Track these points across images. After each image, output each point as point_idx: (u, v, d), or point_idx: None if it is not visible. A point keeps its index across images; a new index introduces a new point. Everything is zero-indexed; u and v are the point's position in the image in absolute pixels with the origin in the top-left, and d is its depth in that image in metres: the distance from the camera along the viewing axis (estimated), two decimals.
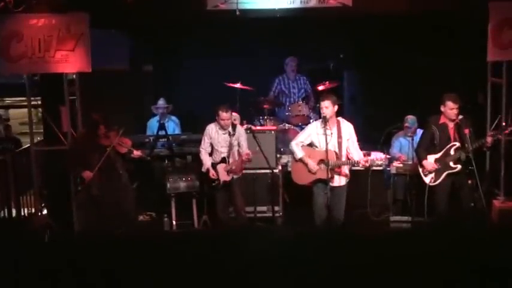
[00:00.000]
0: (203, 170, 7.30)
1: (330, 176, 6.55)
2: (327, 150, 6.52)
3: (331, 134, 6.61)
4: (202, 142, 7.30)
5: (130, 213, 7.45)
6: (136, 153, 7.33)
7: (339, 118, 6.82)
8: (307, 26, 9.14)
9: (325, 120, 6.61)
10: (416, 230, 4.32)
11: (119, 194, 7.18)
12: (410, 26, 8.81)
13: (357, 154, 6.76)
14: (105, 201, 7.09)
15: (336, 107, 6.68)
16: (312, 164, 6.68)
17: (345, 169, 6.77)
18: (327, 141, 6.53)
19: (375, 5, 7.54)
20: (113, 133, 7.12)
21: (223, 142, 7.22)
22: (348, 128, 6.77)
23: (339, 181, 6.73)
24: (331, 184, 6.59)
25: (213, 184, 7.24)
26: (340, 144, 6.65)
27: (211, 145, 7.28)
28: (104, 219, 7.11)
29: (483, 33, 7.26)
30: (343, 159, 6.69)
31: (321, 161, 6.65)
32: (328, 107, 6.61)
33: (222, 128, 7.16)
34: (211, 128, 7.25)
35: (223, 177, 7.23)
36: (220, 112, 7.07)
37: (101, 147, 7.00)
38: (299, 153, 6.75)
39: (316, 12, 7.94)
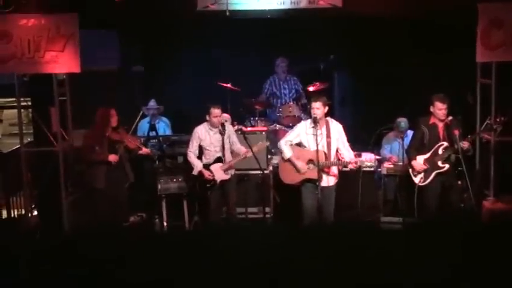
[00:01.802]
0: (194, 173, 7.25)
1: (318, 175, 6.55)
2: (317, 151, 6.52)
3: (321, 134, 6.62)
4: (191, 145, 7.26)
5: (123, 212, 7.51)
6: (145, 150, 7.47)
7: (328, 118, 6.85)
8: (298, 26, 9.15)
9: (315, 121, 6.62)
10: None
11: (118, 189, 7.25)
12: (400, 27, 8.86)
13: (347, 154, 6.78)
14: (107, 196, 7.19)
15: (327, 108, 6.71)
16: (301, 164, 6.69)
17: (334, 169, 6.79)
18: (317, 141, 6.54)
19: (365, 6, 7.57)
20: (122, 129, 7.25)
21: (216, 142, 7.20)
22: (337, 128, 6.80)
23: (328, 181, 6.74)
24: (320, 184, 6.59)
25: (208, 185, 7.22)
26: (329, 144, 6.67)
27: (200, 147, 7.26)
28: (97, 216, 7.17)
29: (472, 34, 7.30)
30: (332, 159, 6.71)
31: (310, 161, 6.67)
32: (319, 108, 6.63)
33: (213, 126, 7.15)
34: (200, 130, 7.23)
35: (221, 176, 7.21)
36: (211, 109, 7.08)
37: (111, 142, 7.15)
38: (287, 153, 6.76)
39: (306, 13, 7.95)
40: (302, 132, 6.77)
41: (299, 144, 6.81)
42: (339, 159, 6.73)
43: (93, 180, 7.20)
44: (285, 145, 6.79)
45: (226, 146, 7.24)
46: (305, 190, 6.74)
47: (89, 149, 7.25)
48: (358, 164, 6.79)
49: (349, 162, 6.70)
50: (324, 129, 6.68)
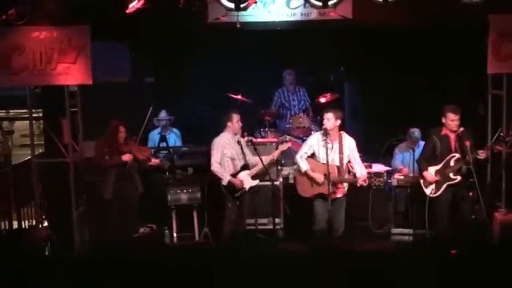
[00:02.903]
0: (224, 183, 7.21)
1: (331, 190, 6.59)
2: (327, 163, 6.57)
3: (332, 148, 6.67)
4: (215, 156, 7.20)
5: (132, 223, 7.52)
6: (155, 161, 7.49)
7: (342, 132, 6.87)
8: (308, 38, 9.17)
9: (325, 132, 6.62)
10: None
11: (128, 201, 7.26)
12: (411, 38, 8.84)
13: (359, 169, 6.81)
14: (115, 207, 7.20)
15: (339, 121, 6.73)
16: (318, 176, 6.75)
17: (344, 185, 6.82)
18: (327, 154, 6.58)
19: (375, 18, 7.55)
20: (132, 141, 7.29)
21: (238, 150, 7.28)
22: (348, 143, 6.83)
23: (337, 195, 6.78)
24: (332, 198, 6.64)
25: (237, 195, 7.23)
26: (341, 159, 6.71)
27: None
28: (107, 227, 7.19)
29: (483, 46, 7.27)
30: (344, 174, 6.74)
31: (325, 175, 6.69)
32: (330, 119, 6.68)
33: (236, 132, 7.28)
34: (223, 139, 7.25)
35: (249, 183, 7.28)
36: (234, 115, 7.25)
37: (121, 153, 7.17)
38: (304, 167, 6.84)
39: (316, 25, 7.96)
40: (315, 143, 6.85)
41: (313, 155, 6.86)
42: (349, 171, 6.75)
43: (102, 191, 7.21)
44: (301, 159, 6.87)
45: (245, 155, 7.32)
46: (317, 202, 6.82)
47: (101, 156, 7.30)
48: (367, 182, 6.74)
49: (359, 178, 6.70)
50: (336, 143, 6.74)
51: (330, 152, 6.65)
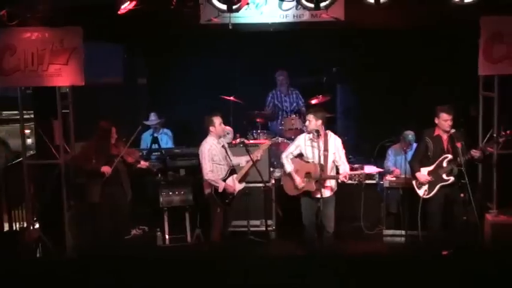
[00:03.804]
0: (219, 190, 7.06)
1: (315, 188, 6.75)
2: (314, 163, 6.74)
3: (317, 146, 6.76)
4: (207, 165, 7.00)
5: (123, 225, 7.48)
6: (144, 163, 7.43)
7: (328, 131, 6.95)
8: (300, 39, 9.18)
9: (311, 133, 6.78)
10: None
11: (117, 204, 7.20)
12: (403, 40, 8.87)
13: (343, 167, 6.90)
14: (105, 210, 7.12)
15: (320, 121, 6.80)
16: (298, 181, 6.90)
17: (330, 182, 6.88)
18: (314, 153, 6.76)
19: (368, 20, 7.56)
20: (122, 143, 7.24)
21: (224, 155, 7.16)
22: (335, 142, 6.91)
23: (324, 193, 6.85)
24: (317, 196, 6.74)
25: (227, 200, 7.16)
26: (326, 157, 6.80)
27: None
28: (98, 230, 7.15)
29: (475, 48, 7.30)
30: (330, 172, 6.83)
31: (308, 174, 6.87)
32: (310, 121, 6.82)
33: (220, 135, 7.17)
34: (210, 146, 7.08)
35: (238, 187, 7.26)
36: (216, 118, 7.07)
37: (110, 156, 7.07)
38: (288, 168, 6.99)
39: (309, 26, 7.97)
40: (302, 144, 6.98)
41: (301, 155, 6.97)
42: (337, 171, 6.86)
43: (88, 194, 7.13)
44: (286, 159, 7.01)
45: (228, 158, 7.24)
46: (304, 202, 6.97)
47: (83, 159, 7.15)
48: (348, 178, 6.79)
49: (341, 174, 6.79)
50: (321, 142, 6.81)
51: (315, 151, 6.76)
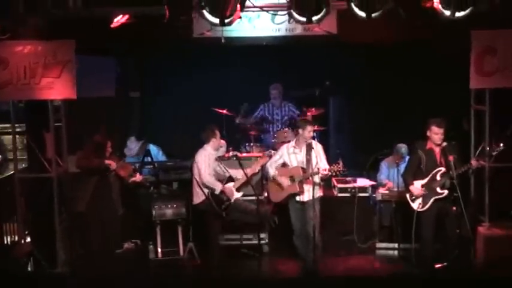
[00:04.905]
0: (216, 192, 7.28)
1: (299, 189, 7.03)
2: (297, 166, 7.10)
3: (300, 152, 7.12)
4: (206, 168, 7.28)
5: (114, 239, 7.44)
6: (138, 177, 7.45)
7: (310, 140, 7.18)
8: (293, 53, 9.21)
9: (298, 143, 7.16)
10: None
11: (106, 216, 7.18)
12: (395, 54, 8.92)
13: (322, 165, 7.08)
14: (90, 222, 7.14)
15: (300, 130, 7.11)
16: (283, 180, 7.20)
17: (315, 178, 7.00)
18: (297, 159, 7.14)
19: (360, 33, 7.60)
20: (114, 156, 7.32)
21: (215, 167, 7.43)
22: (316, 148, 7.16)
23: (309, 195, 7.00)
24: (302, 199, 7.09)
25: (223, 206, 7.27)
26: (308, 161, 7.04)
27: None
28: (88, 242, 7.13)
29: (466, 61, 7.33)
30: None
31: (291, 177, 7.14)
32: (304, 129, 7.09)
33: (216, 150, 7.42)
34: (209, 153, 7.37)
35: (236, 195, 7.39)
36: (217, 132, 7.40)
37: (103, 169, 7.14)
38: (271, 172, 7.31)
39: (302, 40, 8.01)
40: (284, 153, 7.30)
41: (284, 165, 7.28)
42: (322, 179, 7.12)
43: (75, 204, 7.16)
44: (270, 166, 7.35)
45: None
46: (291, 206, 7.25)
47: (86, 159, 7.33)
48: (327, 171, 6.92)
49: (322, 169, 6.94)
50: (304, 148, 7.10)
51: (298, 156, 7.13)
